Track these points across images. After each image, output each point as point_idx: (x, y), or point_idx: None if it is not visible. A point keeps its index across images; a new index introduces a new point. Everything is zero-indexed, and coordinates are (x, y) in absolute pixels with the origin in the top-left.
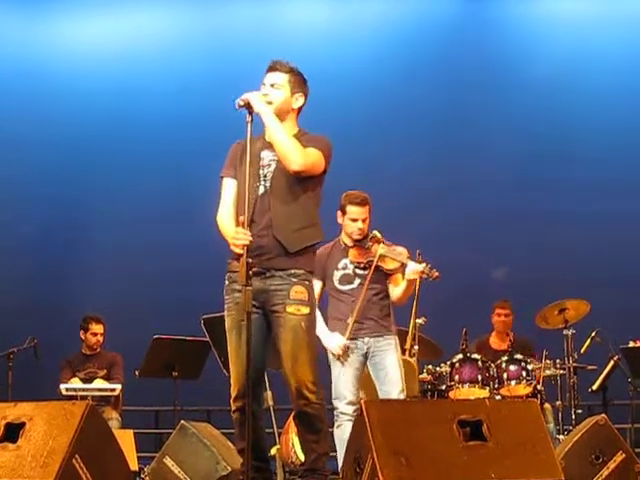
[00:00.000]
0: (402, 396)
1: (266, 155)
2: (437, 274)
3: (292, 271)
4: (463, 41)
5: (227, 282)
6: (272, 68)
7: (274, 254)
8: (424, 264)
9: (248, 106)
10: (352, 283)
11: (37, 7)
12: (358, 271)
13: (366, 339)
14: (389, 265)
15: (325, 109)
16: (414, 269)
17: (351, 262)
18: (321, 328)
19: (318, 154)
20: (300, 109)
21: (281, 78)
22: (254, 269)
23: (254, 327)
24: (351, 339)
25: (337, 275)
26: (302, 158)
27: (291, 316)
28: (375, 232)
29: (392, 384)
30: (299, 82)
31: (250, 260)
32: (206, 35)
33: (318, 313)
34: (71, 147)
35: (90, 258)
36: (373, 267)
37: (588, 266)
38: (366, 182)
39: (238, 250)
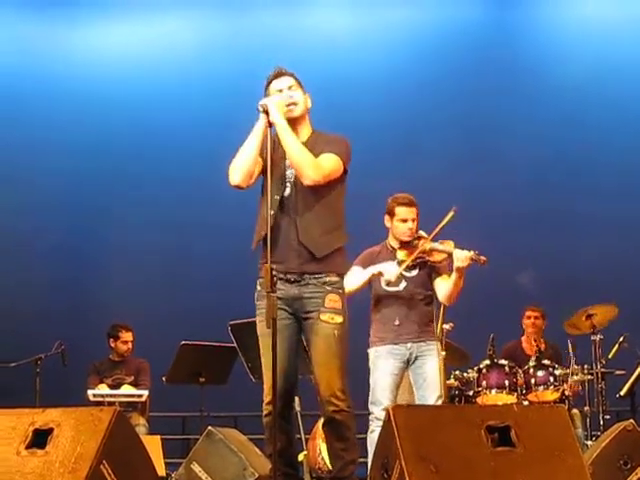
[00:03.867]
0: (440, 402)
1: None
2: (484, 258)
3: (326, 278)
4: (487, 47)
5: (258, 287)
6: (280, 74)
7: (304, 259)
8: (471, 251)
9: (266, 113)
10: (398, 286)
11: (61, 15)
12: (405, 273)
13: (409, 344)
14: (436, 257)
15: (347, 115)
16: (462, 255)
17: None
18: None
19: (334, 159)
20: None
21: (291, 80)
22: (288, 276)
23: (287, 334)
24: (394, 344)
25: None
26: (314, 173)
27: (324, 324)
28: (421, 232)
29: (430, 389)
30: (301, 82)
31: (274, 267)
32: (229, 42)
33: (359, 268)
34: (95, 155)
35: (117, 265)
36: (415, 255)
37: (615, 270)
38: (390, 187)
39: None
